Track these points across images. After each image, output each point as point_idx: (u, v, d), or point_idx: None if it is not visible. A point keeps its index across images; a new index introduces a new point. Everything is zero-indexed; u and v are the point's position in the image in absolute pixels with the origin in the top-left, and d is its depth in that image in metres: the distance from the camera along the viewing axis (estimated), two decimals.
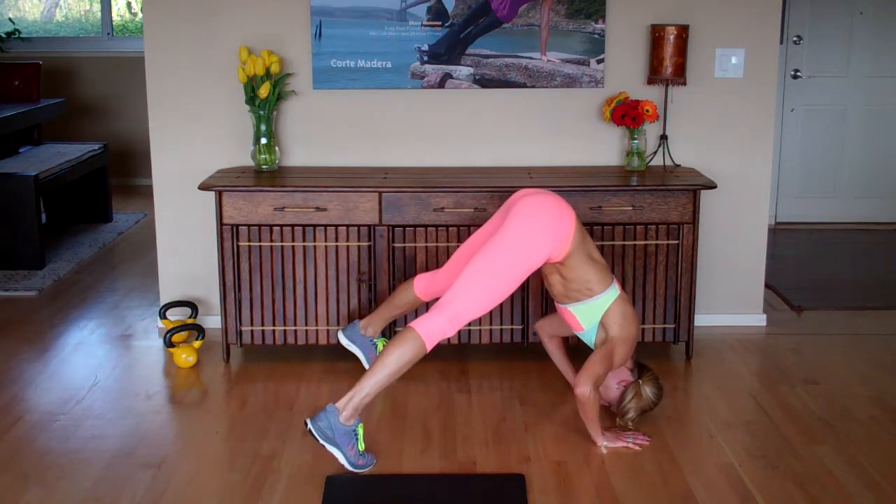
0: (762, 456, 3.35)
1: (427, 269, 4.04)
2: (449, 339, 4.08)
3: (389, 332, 4.06)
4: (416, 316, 4.00)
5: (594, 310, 3.47)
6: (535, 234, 3.35)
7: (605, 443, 3.40)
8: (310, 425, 3.18)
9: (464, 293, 3.28)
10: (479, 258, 3.32)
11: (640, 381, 3.51)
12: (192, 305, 4.43)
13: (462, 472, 3.23)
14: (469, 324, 4.06)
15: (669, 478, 3.19)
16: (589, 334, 3.53)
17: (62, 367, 4.19)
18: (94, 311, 4.91)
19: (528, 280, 4.04)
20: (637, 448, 3.39)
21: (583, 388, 3.36)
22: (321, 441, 3.17)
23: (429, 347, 3.23)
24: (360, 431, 3.21)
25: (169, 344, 4.18)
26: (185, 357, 4.14)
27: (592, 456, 3.33)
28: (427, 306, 3.95)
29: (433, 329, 3.23)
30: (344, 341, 3.95)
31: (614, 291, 3.49)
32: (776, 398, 3.84)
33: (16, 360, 4.25)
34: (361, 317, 4.06)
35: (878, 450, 3.40)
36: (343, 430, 3.16)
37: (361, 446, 3.21)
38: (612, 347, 3.45)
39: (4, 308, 4.94)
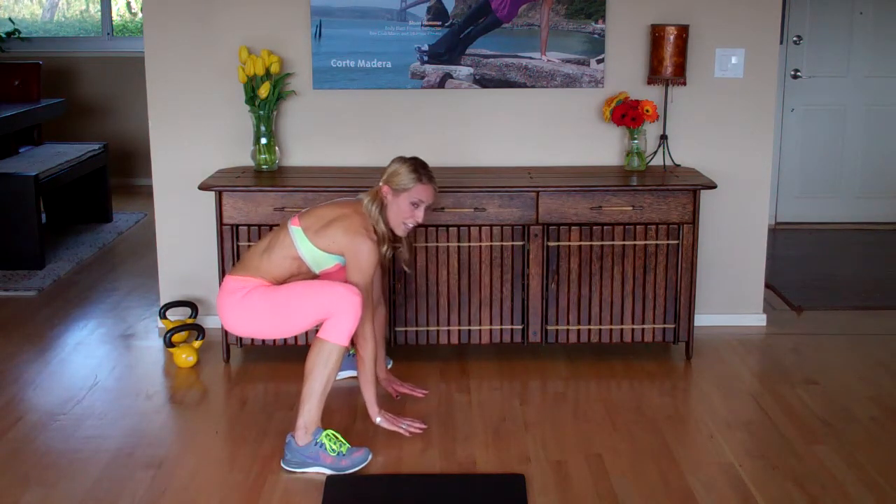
0: (762, 456, 3.35)
1: (427, 269, 4.04)
2: (449, 340, 4.10)
3: (391, 338, 4.07)
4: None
5: (311, 254, 3.37)
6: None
7: (379, 419, 3.44)
8: (283, 465, 3.25)
9: (322, 304, 3.25)
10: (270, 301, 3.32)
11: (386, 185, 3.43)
12: (192, 305, 4.43)
13: (462, 472, 3.23)
14: (469, 324, 4.08)
15: (669, 478, 3.19)
16: (318, 266, 3.42)
17: (62, 367, 4.19)
18: (94, 311, 4.91)
19: (527, 281, 4.05)
20: (409, 435, 3.43)
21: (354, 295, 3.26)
22: (298, 471, 3.21)
23: (345, 343, 3.23)
24: (326, 438, 3.22)
25: (169, 344, 4.18)
26: (185, 357, 4.14)
27: (592, 456, 3.33)
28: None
29: (338, 330, 3.21)
30: None
31: (299, 236, 3.38)
32: (776, 398, 3.84)
33: (16, 360, 4.25)
34: None
35: (878, 450, 3.40)
36: (304, 451, 3.22)
37: (333, 450, 3.21)
38: (349, 261, 3.33)
39: (4, 308, 4.94)
